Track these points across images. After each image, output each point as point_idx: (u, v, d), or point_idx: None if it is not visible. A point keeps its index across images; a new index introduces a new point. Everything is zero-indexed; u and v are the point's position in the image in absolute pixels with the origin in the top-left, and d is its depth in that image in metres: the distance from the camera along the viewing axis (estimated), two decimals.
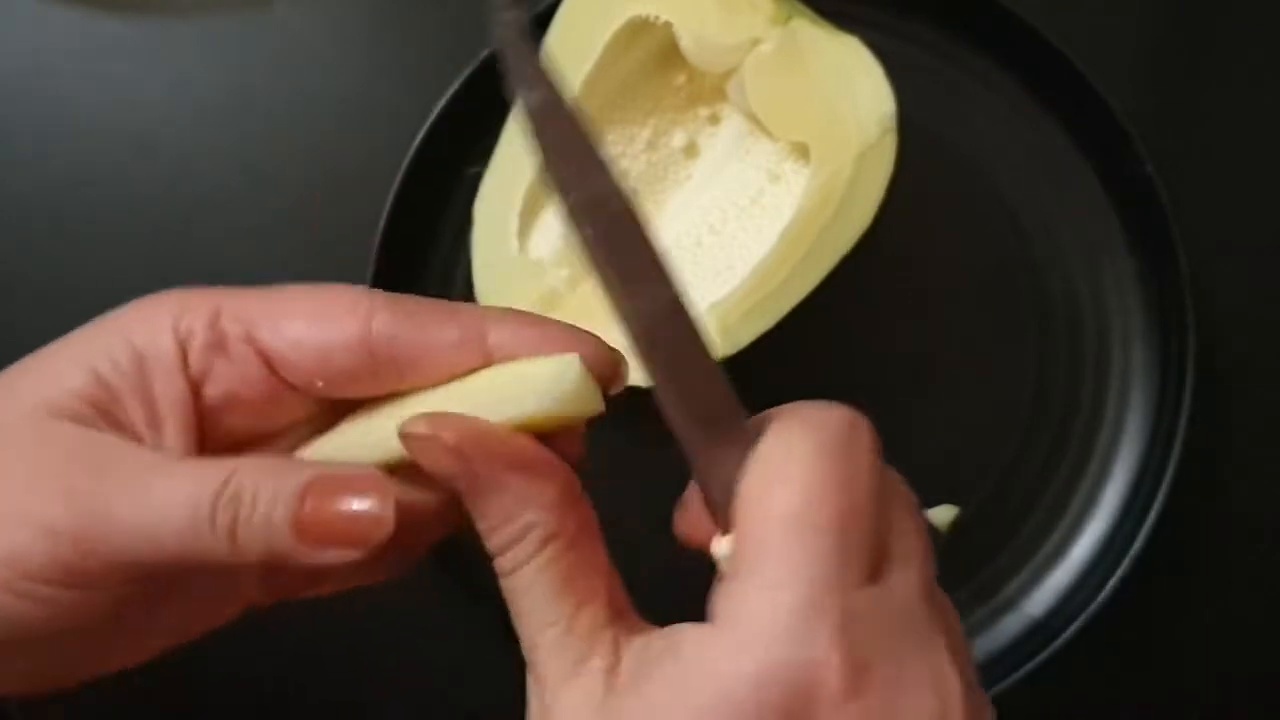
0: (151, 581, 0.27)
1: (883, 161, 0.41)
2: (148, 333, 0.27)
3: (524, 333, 0.27)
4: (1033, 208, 0.47)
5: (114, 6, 0.49)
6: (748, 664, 0.22)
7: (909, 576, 0.24)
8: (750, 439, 0.25)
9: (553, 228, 0.44)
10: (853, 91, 0.41)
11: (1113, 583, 0.43)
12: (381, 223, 0.44)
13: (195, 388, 0.27)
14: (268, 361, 0.27)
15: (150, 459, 0.26)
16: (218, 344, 0.27)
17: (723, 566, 0.25)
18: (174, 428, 0.27)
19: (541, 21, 0.43)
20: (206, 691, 0.44)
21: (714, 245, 0.44)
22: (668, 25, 0.42)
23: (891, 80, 0.41)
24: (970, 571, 0.46)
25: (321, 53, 0.49)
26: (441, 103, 0.45)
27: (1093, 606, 0.43)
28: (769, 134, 0.43)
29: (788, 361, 0.45)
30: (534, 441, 0.26)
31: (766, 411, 0.26)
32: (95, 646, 0.28)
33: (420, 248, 0.46)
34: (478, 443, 0.25)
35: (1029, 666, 0.43)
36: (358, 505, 0.24)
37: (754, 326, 0.41)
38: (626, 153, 0.45)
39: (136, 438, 0.27)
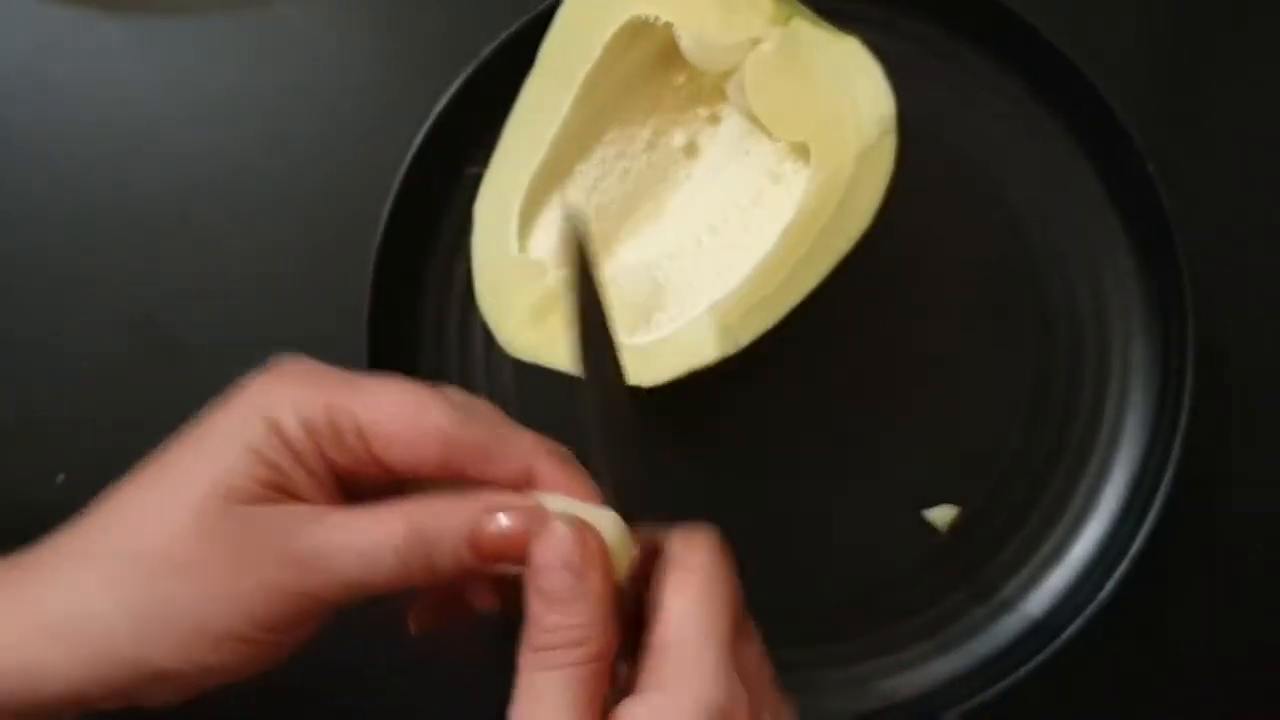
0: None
1: (882, 162, 0.41)
2: (285, 418, 0.31)
3: (563, 473, 0.33)
4: (1033, 208, 0.47)
5: (114, 6, 0.49)
6: None
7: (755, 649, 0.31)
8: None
9: (553, 228, 0.44)
10: (852, 92, 0.41)
11: (1112, 583, 0.43)
12: (381, 223, 0.44)
13: (331, 469, 0.32)
14: (373, 455, 0.32)
15: (339, 515, 0.31)
16: (336, 438, 0.32)
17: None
18: (336, 497, 0.32)
19: (542, 21, 0.43)
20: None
21: (714, 245, 0.44)
22: (668, 25, 0.42)
23: (891, 80, 0.41)
24: (970, 571, 0.46)
25: (321, 52, 0.49)
26: (441, 103, 0.45)
27: (1092, 607, 0.43)
28: (769, 134, 0.43)
29: (788, 361, 0.45)
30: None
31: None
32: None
33: (420, 248, 0.46)
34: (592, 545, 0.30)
35: (1028, 667, 0.43)
36: (509, 527, 0.31)
37: (754, 326, 0.41)
38: (626, 152, 0.45)
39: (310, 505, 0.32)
